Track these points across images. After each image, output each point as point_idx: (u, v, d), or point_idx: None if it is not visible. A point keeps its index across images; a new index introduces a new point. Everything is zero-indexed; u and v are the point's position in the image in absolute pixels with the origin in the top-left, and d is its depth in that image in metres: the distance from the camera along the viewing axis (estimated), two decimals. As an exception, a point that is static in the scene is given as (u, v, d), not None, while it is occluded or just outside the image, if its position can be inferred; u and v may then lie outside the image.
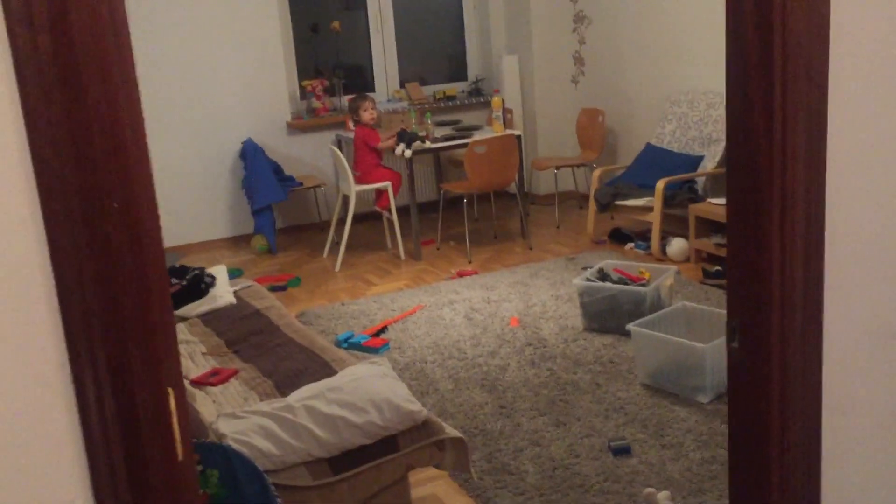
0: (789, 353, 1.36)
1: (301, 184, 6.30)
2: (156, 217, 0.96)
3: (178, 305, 3.81)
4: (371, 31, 6.93)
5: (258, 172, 6.09)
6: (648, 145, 5.93)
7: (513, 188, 6.07)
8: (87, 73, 0.86)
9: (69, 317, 0.91)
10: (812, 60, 1.26)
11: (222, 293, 3.93)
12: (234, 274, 5.40)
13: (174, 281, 3.98)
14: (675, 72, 5.92)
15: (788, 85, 1.27)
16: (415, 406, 2.66)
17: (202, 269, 4.01)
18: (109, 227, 0.89)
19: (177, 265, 4.10)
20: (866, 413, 1.43)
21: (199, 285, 3.88)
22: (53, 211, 0.91)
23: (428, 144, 5.69)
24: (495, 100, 5.95)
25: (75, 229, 0.89)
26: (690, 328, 3.77)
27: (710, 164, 5.45)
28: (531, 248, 5.81)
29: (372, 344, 4.18)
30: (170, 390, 1.01)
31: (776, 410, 1.39)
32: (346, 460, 2.54)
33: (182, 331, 3.66)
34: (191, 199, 6.17)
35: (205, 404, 2.91)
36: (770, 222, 1.34)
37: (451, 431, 2.72)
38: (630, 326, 3.64)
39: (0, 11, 0.82)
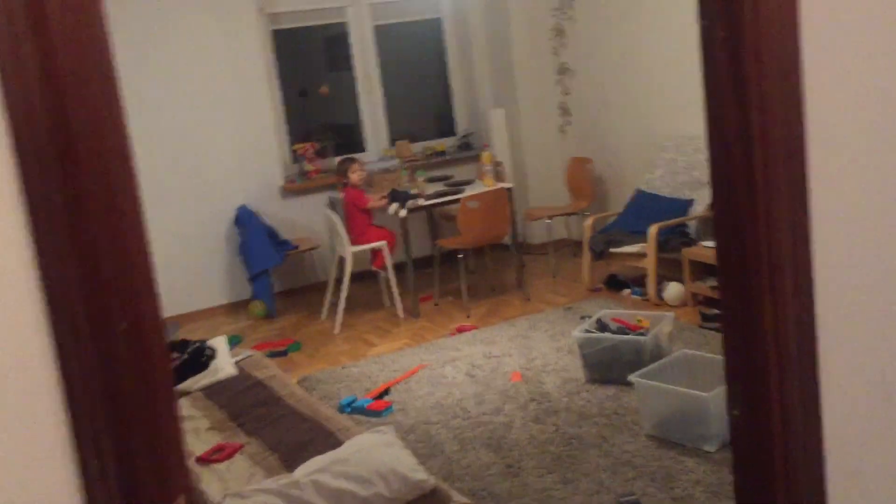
0: (790, 417, 1.37)
1: (297, 247, 6.33)
2: (162, 334, 0.98)
3: (179, 380, 3.82)
4: (359, 91, 7.04)
5: (254, 238, 6.13)
6: (638, 191, 6.00)
7: (507, 240, 6.12)
8: (93, 201, 0.89)
9: (80, 437, 0.93)
10: (790, 137, 1.30)
11: (223, 365, 3.94)
12: (233, 341, 5.41)
13: (175, 355, 3.99)
14: (660, 118, 6.02)
15: (769, 160, 1.30)
16: (421, 475, 2.66)
17: (202, 342, 4.03)
18: (118, 347, 0.92)
19: (177, 338, 4.11)
20: (870, 471, 1.44)
21: (199, 358, 3.89)
22: (62, 332, 0.93)
23: (421, 202, 5.75)
24: (485, 154, 6.03)
25: (83, 351, 0.92)
26: (692, 376, 3.77)
27: (700, 208, 5.51)
28: (528, 300, 5.84)
29: (375, 407, 4.17)
30: (181, 499, 1.02)
31: (781, 475, 1.40)
32: (355, 535, 2.53)
33: (185, 406, 3.66)
34: (188, 267, 6.20)
35: (210, 483, 2.90)
36: (761, 291, 1.37)
37: (459, 498, 2.72)
38: (632, 378, 3.65)
39: (11, 140, 0.85)
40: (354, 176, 5.80)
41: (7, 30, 0.90)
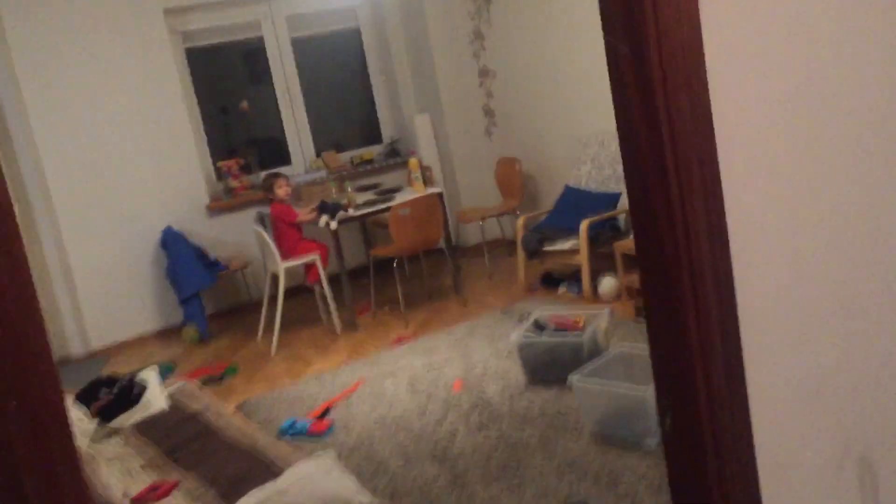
0: (720, 428, 1.37)
1: (227, 267, 6.20)
2: (62, 412, 0.91)
3: (109, 417, 3.69)
4: (280, 105, 6.93)
5: (182, 260, 5.98)
6: (567, 187, 6.04)
7: (441, 243, 6.10)
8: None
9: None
10: (701, 146, 1.30)
11: (155, 398, 3.82)
12: (166, 370, 5.25)
13: (104, 391, 3.85)
14: (582, 114, 6.07)
15: (682, 172, 1.30)
16: (365, 499, 2.61)
17: (131, 377, 3.90)
18: (10, 429, 0.85)
19: (103, 376, 3.97)
20: (801, 471, 1.46)
21: (129, 395, 3.76)
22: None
23: (351, 213, 5.68)
24: (412, 161, 5.99)
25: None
26: (630, 371, 3.80)
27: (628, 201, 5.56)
28: (466, 304, 5.82)
29: (317, 428, 4.09)
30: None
31: (714, 483, 1.40)
32: (300, 567, 2.47)
33: (117, 444, 3.53)
34: (114, 296, 6.02)
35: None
36: (683, 301, 1.37)
37: (405, 518, 2.68)
38: (571, 379, 3.66)
39: None
40: (280, 191, 5.71)
41: None
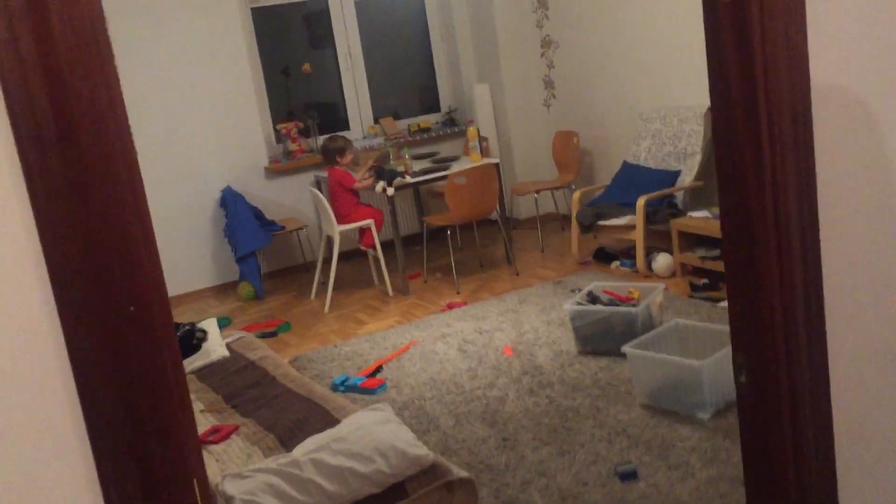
0: (797, 385, 1.38)
1: (283, 227, 6.29)
2: (169, 317, 0.96)
3: (171, 363, 3.80)
4: (341, 69, 6.98)
5: (240, 219, 6.09)
6: (625, 163, 6.00)
7: (495, 215, 6.11)
8: (95, 188, 0.87)
9: (93, 423, 0.92)
10: (796, 100, 1.29)
11: (215, 347, 3.92)
12: (223, 323, 5.39)
13: (165, 338, 3.96)
14: (644, 89, 6.00)
15: (774, 120, 1.29)
16: (421, 451, 2.66)
17: (193, 324, 4.00)
18: (127, 330, 0.90)
19: (167, 322, 4.08)
20: (878, 437, 1.45)
21: (191, 340, 3.86)
22: (70, 317, 0.92)
23: (408, 179, 5.72)
24: (471, 130, 5.99)
25: (92, 335, 0.90)
26: (684, 345, 3.79)
27: (687, 179, 5.51)
28: (518, 274, 5.84)
29: (369, 385, 4.17)
30: (195, 482, 1.01)
31: (789, 442, 1.41)
32: (357, 511, 2.53)
33: (178, 389, 3.64)
34: (174, 250, 6.15)
35: (208, 465, 2.89)
36: (767, 255, 1.37)
37: (459, 472, 2.72)
38: (625, 348, 3.66)
39: (10, 129, 0.83)
40: (346, 160, 5.77)
41: (3, 10, 0.87)
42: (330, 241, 5.77)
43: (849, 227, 1.39)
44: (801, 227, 1.35)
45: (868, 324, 1.43)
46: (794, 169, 1.33)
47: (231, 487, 2.51)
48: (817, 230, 1.36)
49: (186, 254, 6.27)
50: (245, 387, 3.52)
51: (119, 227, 0.89)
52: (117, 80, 0.93)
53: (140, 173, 1.00)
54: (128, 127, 0.92)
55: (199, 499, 1.04)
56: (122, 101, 0.94)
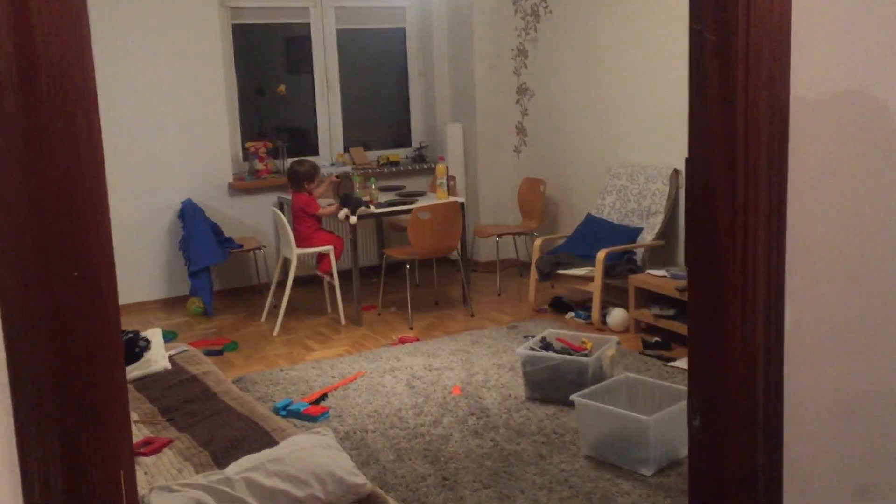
0: (751, 432, 1.36)
1: (241, 246, 6.20)
2: (115, 290, 0.91)
3: (109, 370, 3.67)
4: (317, 95, 6.96)
5: (197, 233, 5.98)
6: (589, 216, 6.04)
7: (455, 255, 6.09)
8: (53, 141, 0.82)
9: (19, 393, 0.85)
10: (773, 145, 1.29)
11: (157, 357, 3.80)
12: (168, 337, 5.25)
13: (106, 344, 3.83)
14: (615, 145, 6.08)
15: (750, 175, 1.29)
16: (359, 479, 2.58)
17: (136, 332, 3.88)
18: (69, 298, 0.84)
19: (110, 327, 3.96)
20: (828, 495, 1.43)
21: (132, 349, 3.74)
22: (6, 276, 0.86)
23: (372, 209, 5.68)
24: (440, 167, 6.00)
25: (32, 298, 0.84)
26: (633, 400, 3.77)
27: (648, 237, 5.56)
28: (473, 315, 5.80)
29: (311, 412, 4.07)
30: (122, 474, 0.94)
31: (739, 490, 1.38)
32: (286, 537, 2.43)
33: (113, 396, 3.51)
34: (126, 258, 5.99)
35: (136, 475, 2.77)
36: (732, 304, 1.35)
37: (395, 506, 2.65)
38: (574, 397, 3.63)
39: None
40: (312, 186, 5.72)
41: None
42: (286, 263, 5.69)
43: (814, 280, 1.39)
44: (767, 272, 1.34)
45: (824, 379, 1.42)
46: (765, 216, 1.33)
47: (157, 500, 2.41)
48: (783, 277, 1.36)
49: (138, 263, 6.13)
50: (184, 400, 3.41)
51: (73, 185, 0.84)
52: (88, 30, 0.89)
53: (101, 135, 0.95)
54: (94, 84, 0.87)
55: (123, 493, 0.97)
56: (91, 55, 0.90)
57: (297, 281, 5.73)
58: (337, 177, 5.99)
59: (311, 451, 2.64)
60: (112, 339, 0.89)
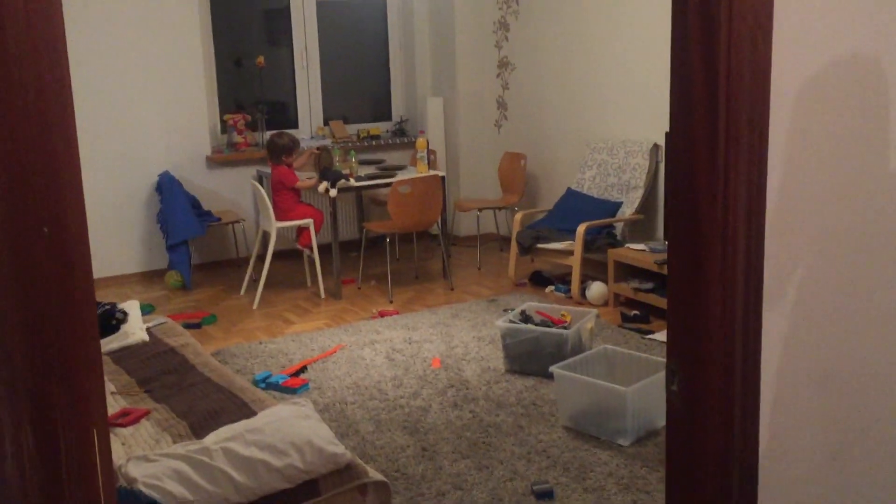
0: (730, 397, 1.36)
1: (220, 219, 6.15)
2: (86, 246, 0.89)
3: (86, 341, 3.64)
4: (296, 67, 6.89)
5: (175, 206, 5.92)
6: (569, 190, 6.04)
7: (435, 229, 6.07)
8: (22, 88, 0.80)
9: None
10: (754, 109, 1.29)
11: (134, 329, 3.77)
12: (146, 310, 5.19)
13: (83, 316, 3.79)
14: (595, 119, 6.07)
15: (731, 137, 1.29)
16: (338, 449, 2.58)
17: (113, 304, 3.85)
18: (39, 254, 0.82)
19: (86, 299, 3.92)
20: (802, 458, 1.45)
21: (109, 321, 3.71)
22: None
23: (352, 182, 5.65)
24: (420, 140, 5.97)
25: (1, 253, 0.82)
26: (611, 371, 3.80)
27: (628, 211, 5.58)
28: (452, 289, 5.81)
29: (291, 384, 4.07)
30: (95, 431, 0.93)
31: (715, 454, 1.39)
32: (265, 506, 2.43)
33: (90, 368, 3.48)
34: (102, 231, 5.94)
35: (113, 446, 2.76)
36: (711, 269, 1.35)
37: (374, 475, 2.66)
38: (553, 369, 3.65)
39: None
40: (291, 159, 5.68)
41: None
42: (266, 237, 5.65)
43: (793, 246, 1.39)
44: (747, 239, 1.34)
45: (801, 346, 1.43)
46: (745, 181, 1.33)
47: (135, 470, 2.40)
48: (762, 245, 1.36)
49: (115, 236, 6.06)
50: (161, 372, 3.38)
51: (42, 136, 0.82)
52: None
53: (71, 89, 0.93)
54: (62, 30, 0.85)
55: (97, 451, 0.96)
56: (60, 6, 0.87)
57: (276, 255, 5.70)
58: (317, 149, 5.95)
59: (289, 422, 2.63)
60: (83, 295, 0.88)
